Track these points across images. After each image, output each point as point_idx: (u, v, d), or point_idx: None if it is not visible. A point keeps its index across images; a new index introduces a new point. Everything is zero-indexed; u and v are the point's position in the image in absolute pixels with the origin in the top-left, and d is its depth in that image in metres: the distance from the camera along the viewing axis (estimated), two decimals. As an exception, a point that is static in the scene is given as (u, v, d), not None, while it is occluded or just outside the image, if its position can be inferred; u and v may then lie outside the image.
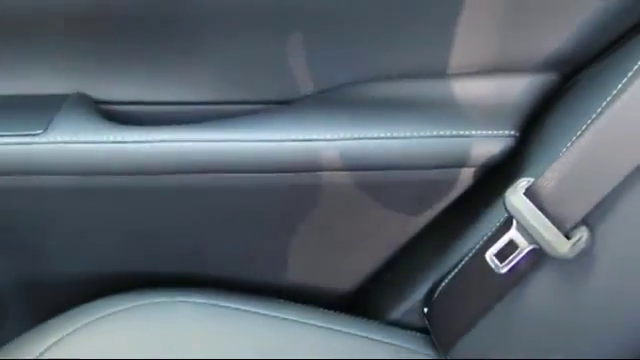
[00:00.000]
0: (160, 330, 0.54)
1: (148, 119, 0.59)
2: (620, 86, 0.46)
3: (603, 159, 0.45)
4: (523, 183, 0.49)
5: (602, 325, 0.47)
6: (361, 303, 0.64)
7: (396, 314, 0.62)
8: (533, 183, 0.48)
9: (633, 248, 0.45)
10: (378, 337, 0.58)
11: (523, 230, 0.48)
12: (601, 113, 0.46)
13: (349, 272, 0.62)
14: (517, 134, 0.55)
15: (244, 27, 0.55)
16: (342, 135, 0.55)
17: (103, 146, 0.54)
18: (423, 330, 0.61)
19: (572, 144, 0.47)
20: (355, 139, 0.55)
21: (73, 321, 0.54)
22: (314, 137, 0.55)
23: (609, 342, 0.46)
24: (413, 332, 0.61)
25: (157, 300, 0.56)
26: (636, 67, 0.45)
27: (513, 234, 0.49)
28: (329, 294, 0.63)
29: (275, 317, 0.57)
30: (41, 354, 0.51)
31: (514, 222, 0.49)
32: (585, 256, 0.46)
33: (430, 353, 0.58)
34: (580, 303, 0.48)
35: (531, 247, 0.48)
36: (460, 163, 0.56)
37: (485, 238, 0.52)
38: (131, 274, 0.60)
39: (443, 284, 0.57)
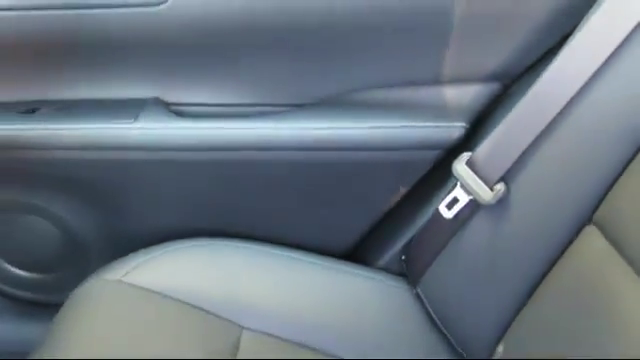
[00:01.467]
0: (213, 260, 0.77)
1: (203, 115, 0.82)
2: (532, 88, 0.67)
3: (514, 138, 0.66)
4: (465, 156, 0.71)
5: (515, 256, 0.68)
6: (354, 255, 0.86)
7: (382, 262, 0.84)
8: (471, 156, 0.70)
9: (535, 200, 0.66)
10: (364, 274, 0.80)
11: (464, 187, 0.70)
12: (517, 107, 0.68)
13: (346, 229, 0.84)
14: (467, 125, 0.77)
15: (271, 48, 0.79)
16: (343, 125, 0.78)
17: (173, 131, 0.78)
18: (402, 275, 0.82)
19: (496, 130, 0.69)
20: (351, 129, 0.78)
21: (146, 254, 0.77)
22: (323, 126, 0.77)
23: (519, 270, 0.67)
24: (392, 274, 0.82)
25: (210, 242, 0.78)
26: (544, 74, 0.67)
27: (457, 191, 0.71)
28: (332, 247, 0.85)
29: (292, 257, 0.79)
30: (123, 276, 0.74)
31: (458, 183, 0.71)
32: (503, 203, 0.67)
33: (401, 285, 0.79)
34: (502, 238, 0.69)
35: (469, 198, 0.70)
36: (427, 146, 0.78)
37: (441, 197, 0.74)
38: (190, 228, 0.82)
39: (415, 235, 0.79)
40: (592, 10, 0.66)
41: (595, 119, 0.63)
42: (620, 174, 0.61)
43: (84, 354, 0.64)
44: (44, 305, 0.94)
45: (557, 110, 0.64)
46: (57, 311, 0.76)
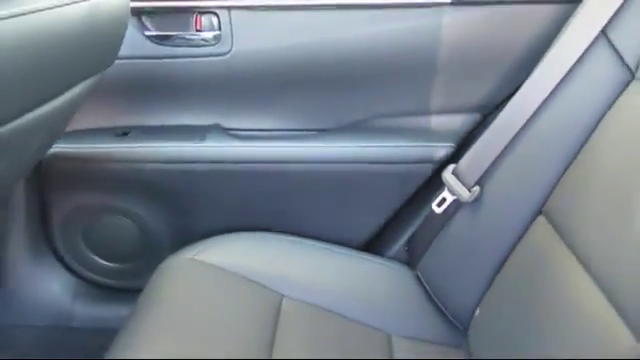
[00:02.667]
0: (259, 246, 1.01)
1: (252, 137, 1.07)
2: (498, 117, 0.91)
3: (485, 153, 0.90)
4: (451, 167, 0.94)
5: (488, 241, 0.90)
6: (369, 247, 1.09)
7: (390, 253, 1.07)
8: (455, 167, 0.94)
9: (501, 197, 0.89)
10: (377, 260, 1.03)
11: (450, 190, 0.93)
12: (488, 130, 0.91)
13: (362, 226, 1.08)
14: (454, 145, 1.01)
15: (304, 89, 1.04)
16: (359, 145, 1.02)
17: (230, 149, 1.03)
18: (406, 263, 1.05)
19: (472, 147, 0.92)
20: (365, 147, 1.02)
21: (210, 241, 1.01)
22: (343, 145, 1.02)
23: (490, 251, 0.89)
24: (398, 262, 1.05)
25: (255, 234, 1.03)
26: (506, 105, 0.90)
27: (445, 193, 0.94)
28: (351, 241, 1.08)
29: (320, 247, 1.03)
30: (194, 255, 0.97)
31: (446, 187, 0.94)
32: (478, 201, 0.90)
33: (405, 270, 1.02)
34: (478, 228, 0.92)
35: (453, 198, 0.93)
36: (424, 161, 1.02)
37: (434, 198, 0.97)
38: (239, 224, 1.07)
39: (416, 228, 1.02)
40: (546, 53, 0.90)
41: (544, 134, 0.86)
42: (563, 173, 0.83)
43: (170, 310, 0.87)
44: (124, 290, 1.18)
45: (516, 131, 0.88)
46: (134, 295, 0.99)
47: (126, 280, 1.19)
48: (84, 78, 0.73)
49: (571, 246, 0.76)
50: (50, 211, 1.13)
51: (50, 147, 0.94)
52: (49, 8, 0.57)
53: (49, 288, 1.18)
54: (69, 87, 0.69)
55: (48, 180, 1.10)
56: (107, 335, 0.92)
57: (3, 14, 0.50)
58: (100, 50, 0.73)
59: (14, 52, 0.51)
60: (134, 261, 1.17)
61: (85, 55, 0.69)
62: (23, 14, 0.53)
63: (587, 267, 0.71)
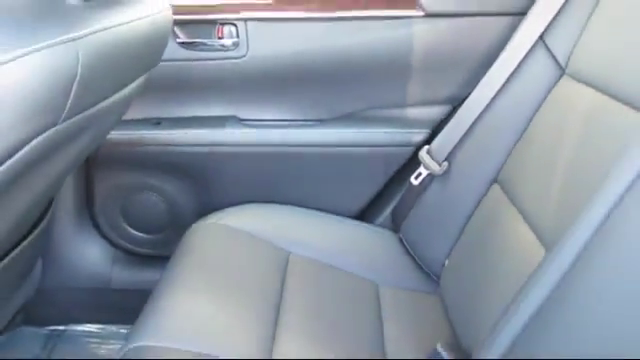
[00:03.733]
0: (268, 214, 1.23)
1: (263, 126, 1.29)
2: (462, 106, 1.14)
3: (452, 135, 1.12)
4: (426, 147, 1.17)
5: (454, 206, 1.12)
6: (361, 216, 1.32)
7: (379, 220, 1.30)
8: (429, 147, 1.16)
9: (464, 170, 1.12)
10: (368, 227, 1.26)
11: (424, 166, 1.15)
12: (454, 117, 1.14)
13: (355, 199, 1.31)
14: (429, 131, 1.23)
15: (306, 85, 1.26)
16: (351, 131, 1.25)
17: (244, 135, 1.26)
18: (392, 230, 1.27)
19: (442, 131, 1.15)
20: (357, 133, 1.25)
21: (228, 210, 1.23)
22: (338, 132, 1.24)
23: (456, 214, 1.11)
24: (386, 228, 1.27)
25: (265, 204, 1.25)
26: (468, 97, 1.13)
27: (421, 169, 1.17)
28: (346, 211, 1.31)
29: (321, 215, 1.26)
30: (217, 220, 1.19)
31: (422, 164, 1.16)
32: (447, 174, 1.13)
33: (391, 234, 1.24)
34: (446, 196, 1.14)
35: (427, 172, 1.15)
36: (405, 144, 1.25)
37: (413, 174, 1.19)
38: (252, 196, 1.29)
39: (399, 200, 1.24)
40: (498, 56, 1.13)
41: (497, 120, 1.09)
42: (511, 150, 1.06)
43: (199, 264, 1.08)
44: (155, 257, 1.40)
45: (475, 118, 1.11)
46: (164, 261, 1.20)
47: (157, 248, 1.41)
48: (138, 77, 0.95)
49: (514, 203, 0.99)
50: (93, 189, 1.35)
51: (104, 139, 1.14)
52: (124, 23, 0.79)
53: (91, 256, 1.39)
54: (126, 85, 0.91)
55: (93, 162, 1.32)
56: (142, 295, 1.13)
57: (92, 30, 0.71)
58: (152, 54, 0.95)
59: (97, 59, 0.73)
60: (163, 232, 1.39)
61: (143, 58, 0.90)
62: (106, 29, 0.75)
63: (525, 217, 0.93)
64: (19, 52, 0.63)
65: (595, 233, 0.66)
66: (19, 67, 0.63)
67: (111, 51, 0.76)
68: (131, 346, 0.84)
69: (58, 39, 0.65)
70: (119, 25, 0.78)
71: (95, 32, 0.70)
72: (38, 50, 0.64)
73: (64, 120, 0.71)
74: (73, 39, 0.67)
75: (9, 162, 0.69)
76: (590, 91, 0.92)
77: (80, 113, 0.74)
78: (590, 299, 0.64)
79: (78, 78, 0.68)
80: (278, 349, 0.90)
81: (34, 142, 0.70)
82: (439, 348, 0.89)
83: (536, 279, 0.71)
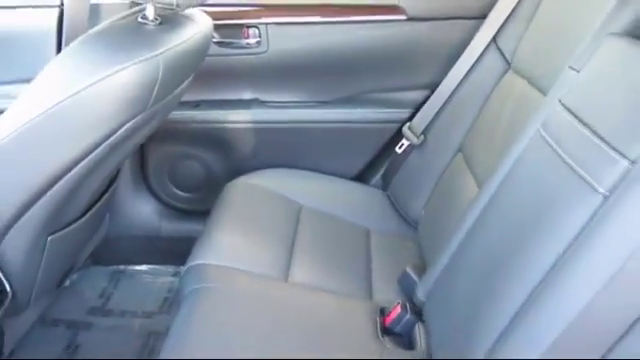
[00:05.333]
0: (284, 177, 1.56)
1: (279, 106, 1.62)
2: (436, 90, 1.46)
3: (427, 113, 1.45)
4: (408, 124, 1.50)
5: (428, 168, 1.45)
6: (358, 178, 1.66)
7: (372, 182, 1.64)
8: (410, 124, 1.49)
9: (436, 140, 1.44)
10: (363, 186, 1.61)
11: (406, 138, 1.49)
12: (430, 99, 1.46)
13: (352, 164, 1.64)
14: (413, 110, 1.56)
15: (315, 73, 1.59)
16: (350, 111, 1.58)
17: (266, 114, 1.59)
18: (382, 189, 1.61)
19: (421, 110, 1.47)
20: (354, 113, 1.58)
21: (254, 173, 1.57)
22: (340, 111, 1.58)
23: (430, 174, 1.45)
24: (377, 188, 1.61)
25: (281, 170, 1.59)
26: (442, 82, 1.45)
27: (403, 140, 1.50)
28: (346, 174, 1.64)
29: (325, 177, 1.60)
30: (246, 180, 1.53)
31: (404, 136, 1.49)
32: (423, 144, 1.47)
33: (381, 192, 1.58)
34: (422, 161, 1.47)
35: (408, 143, 1.49)
36: (393, 122, 1.58)
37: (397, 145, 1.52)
38: (271, 163, 1.62)
39: (387, 165, 1.57)
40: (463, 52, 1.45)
41: (461, 102, 1.41)
42: (471, 125, 1.38)
43: (234, 215, 1.42)
44: (194, 211, 1.75)
45: (444, 99, 1.44)
46: (201, 214, 1.55)
47: (195, 204, 1.76)
48: (191, 74, 1.28)
49: (470, 167, 1.32)
50: (147, 158, 1.70)
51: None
52: (186, 40, 1.11)
53: (145, 211, 1.75)
54: (184, 81, 1.24)
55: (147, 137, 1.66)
56: (183, 241, 1.48)
57: (167, 47, 1.04)
58: (201, 58, 1.28)
59: (171, 66, 1.06)
60: (200, 191, 1.74)
61: (195, 61, 1.24)
62: (175, 45, 1.08)
63: (474, 176, 1.26)
64: (119, 67, 0.97)
65: (505, 177, 0.98)
66: (120, 76, 0.97)
67: (179, 60, 1.10)
68: (190, 264, 1.19)
69: (147, 56, 0.99)
70: (183, 42, 1.11)
71: (169, 49, 1.04)
72: (135, 64, 0.97)
73: (148, 109, 1.05)
74: (156, 55, 1.00)
75: (110, 139, 1.04)
76: (522, 82, 1.24)
77: (157, 103, 1.08)
78: (500, 221, 0.96)
79: (159, 81, 1.02)
80: (292, 272, 1.24)
81: (128, 124, 1.04)
82: (408, 269, 1.23)
83: (469, 210, 1.05)
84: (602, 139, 0.74)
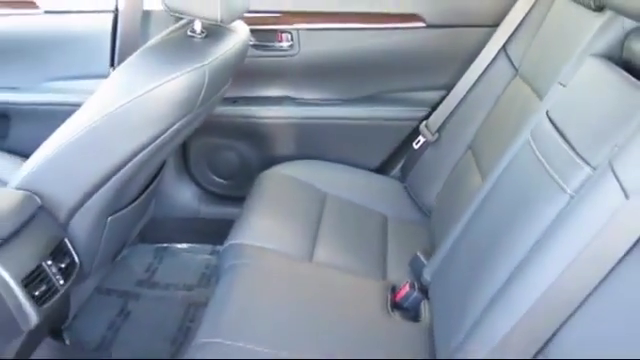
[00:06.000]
0: (312, 167, 1.73)
1: (308, 104, 1.79)
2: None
3: (443, 112, 1.60)
4: (425, 122, 1.65)
5: (442, 162, 1.61)
6: (379, 170, 1.82)
7: (392, 173, 1.79)
8: (427, 122, 1.64)
9: (450, 137, 1.60)
10: (384, 178, 1.77)
11: (422, 134, 1.64)
12: (446, 99, 1.61)
13: (373, 158, 1.80)
14: (429, 109, 1.71)
15: (340, 74, 1.75)
16: (371, 109, 1.74)
17: (296, 111, 1.76)
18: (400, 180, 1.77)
19: (437, 110, 1.62)
20: (376, 110, 1.74)
21: (284, 164, 1.74)
22: (362, 109, 1.74)
23: (443, 167, 1.60)
24: (397, 179, 1.77)
25: (310, 161, 1.76)
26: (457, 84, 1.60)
27: (420, 137, 1.65)
28: (368, 166, 1.80)
29: (349, 169, 1.76)
30: (278, 171, 1.71)
31: (421, 133, 1.65)
32: (437, 141, 1.62)
33: (399, 183, 1.74)
34: (437, 156, 1.63)
35: (424, 140, 1.64)
36: (411, 119, 1.74)
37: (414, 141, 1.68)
38: (300, 155, 1.79)
39: (405, 159, 1.73)
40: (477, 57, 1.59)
41: (471, 103, 1.56)
42: (482, 124, 1.52)
43: (267, 201, 1.60)
44: (230, 197, 1.93)
45: (458, 100, 1.58)
46: (236, 199, 1.73)
47: (230, 190, 1.94)
48: (231, 77, 1.45)
49: (477, 162, 1.47)
50: (189, 149, 1.89)
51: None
52: (229, 49, 1.29)
53: (186, 195, 1.94)
54: (225, 84, 1.42)
55: (188, 129, 1.85)
56: (219, 222, 1.67)
57: (213, 58, 1.22)
58: (240, 62, 1.45)
59: (215, 73, 1.23)
60: (236, 179, 1.92)
61: (235, 66, 1.41)
62: (219, 55, 1.25)
63: (480, 170, 1.41)
64: (171, 77, 1.15)
65: (501, 174, 1.14)
66: (172, 84, 1.15)
67: (221, 68, 1.27)
68: (228, 243, 1.38)
69: (194, 67, 1.17)
70: (225, 52, 1.29)
71: (214, 59, 1.21)
72: (184, 74, 1.15)
73: (195, 110, 1.23)
74: (202, 65, 1.18)
75: (164, 135, 1.22)
76: (527, 88, 1.38)
77: (203, 105, 1.25)
78: (493, 211, 1.11)
79: (205, 86, 1.19)
80: (316, 252, 1.41)
81: (178, 123, 1.22)
82: (418, 253, 1.39)
83: (471, 200, 1.20)
84: (572, 148, 0.88)
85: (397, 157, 1.81)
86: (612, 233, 0.76)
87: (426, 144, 1.67)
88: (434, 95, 1.73)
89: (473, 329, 0.93)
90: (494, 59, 1.55)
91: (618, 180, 0.77)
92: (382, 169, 1.84)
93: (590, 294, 0.78)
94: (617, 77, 0.91)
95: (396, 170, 1.81)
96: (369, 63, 1.73)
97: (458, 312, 1.02)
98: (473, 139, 1.54)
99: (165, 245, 1.96)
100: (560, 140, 0.92)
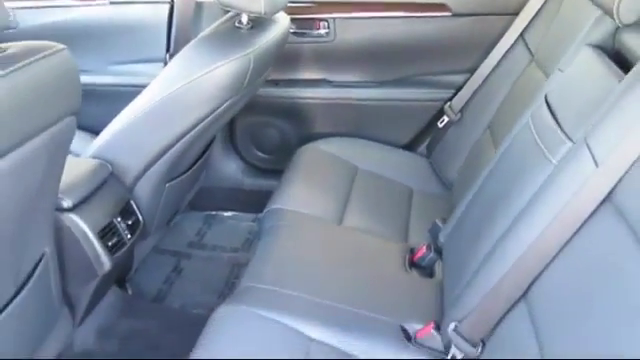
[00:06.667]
0: (345, 144, 1.91)
1: (342, 85, 1.97)
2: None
3: (465, 93, 1.76)
4: (449, 103, 1.81)
5: (460, 139, 1.76)
6: (407, 147, 1.98)
7: (419, 150, 1.96)
8: (450, 103, 1.80)
9: (474, 116, 1.75)
10: (411, 154, 1.94)
11: (447, 115, 1.80)
12: (470, 80, 1.76)
13: (403, 135, 1.97)
14: (454, 91, 1.86)
15: (374, 59, 1.91)
16: (401, 91, 1.91)
17: (333, 92, 1.94)
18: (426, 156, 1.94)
19: (460, 92, 1.78)
20: (405, 92, 1.90)
21: (320, 141, 1.92)
22: (393, 91, 1.91)
23: (464, 144, 1.76)
24: (424, 156, 1.94)
25: (343, 138, 1.94)
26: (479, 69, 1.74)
27: (444, 117, 1.81)
28: (397, 143, 1.97)
29: (381, 146, 1.93)
30: (319, 146, 1.89)
31: (445, 113, 1.81)
32: (460, 120, 1.77)
33: (425, 159, 1.90)
34: (458, 133, 1.78)
35: (447, 119, 1.80)
36: (437, 100, 1.89)
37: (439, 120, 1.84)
38: (334, 132, 1.97)
39: (430, 138, 1.89)
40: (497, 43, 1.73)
41: (489, 86, 1.70)
42: (500, 106, 1.67)
43: (304, 172, 1.78)
44: (271, 170, 2.13)
45: (479, 83, 1.73)
46: (276, 172, 1.92)
47: (270, 164, 2.14)
48: (273, 63, 1.64)
49: (493, 140, 1.61)
50: (235, 125, 2.09)
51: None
52: (272, 39, 1.47)
53: (232, 168, 2.15)
54: (268, 68, 1.61)
55: (235, 108, 2.05)
56: (260, 193, 1.86)
57: (257, 46, 1.40)
58: (281, 50, 1.63)
59: (259, 61, 1.42)
60: (276, 154, 2.12)
61: (277, 53, 1.59)
62: (263, 44, 1.44)
63: (496, 148, 1.56)
64: (220, 63, 1.34)
65: (507, 148, 1.29)
66: (222, 69, 1.35)
67: (264, 55, 1.46)
68: (269, 208, 1.57)
69: (241, 54, 1.36)
70: (268, 41, 1.47)
71: (258, 47, 1.40)
72: (230, 62, 1.34)
73: (241, 92, 1.43)
74: (247, 54, 1.37)
75: (215, 113, 1.42)
76: (540, 74, 1.52)
77: (248, 87, 1.45)
78: (497, 178, 1.27)
79: (250, 71, 1.38)
80: (345, 217, 1.59)
81: (226, 103, 1.42)
82: (437, 221, 1.55)
83: (483, 171, 1.37)
84: (559, 126, 1.04)
85: (423, 135, 1.97)
86: (584, 195, 0.91)
87: (449, 123, 1.82)
88: (458, 78, 1.88)
89: (471, 279, 1.10)
90: (512, 45, 1.68)
91: (590, 152, 0.92)
92: (409, 146, 2.00)
93: (565, 246, 0.94)
94: (602, 66, 1.05)
95: (422, 147, 1.97)
96: (399, 49, 1.89)
97: (462, 266, 1.19)
98: (491, 119, 1.69)
99: (213, 213, 2.18)
100: (552, 121, 1.07)
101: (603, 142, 0.91)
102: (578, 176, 0.93)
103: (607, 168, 0.89)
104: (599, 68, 1.06)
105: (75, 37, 2.06)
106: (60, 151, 1.09)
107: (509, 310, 1.01)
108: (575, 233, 0.93)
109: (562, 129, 1.02)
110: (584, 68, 1.11)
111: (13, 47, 0.91)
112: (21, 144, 0.92)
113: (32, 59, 0.90)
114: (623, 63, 1.07)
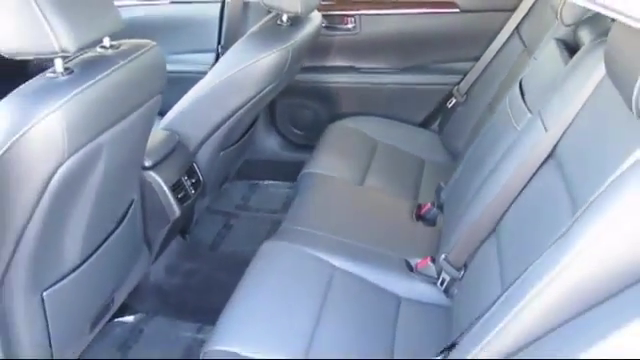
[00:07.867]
0: (367, 123, 2.24)
1: (368, 72, 2.30)
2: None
3: (471, 78, 2.07)
4: (457, 86, 2.13)
5: (466, 117, 2.08)
6: (421, 125, 2.31)
7: (431, 127, 2.28)
8: (458, 86, 2.12)
9: (478, 97, 2.06)
10: (425, 130, 2.27)
11: (454, 97, 2.12)
12: (474, 67, 2.08)
13: (418, 114, 2.30)
14: (462, 76, 2.18)
15: (395, 48, 2.24)
16: (416, 75, 2.23)
17: (359, 78, 2.28)
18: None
19: (466, 76, 2.09)
20: (419, 76, 2.23)
21: (348, 119, 2.26)
22: (410, 76, 2.24)
23: (470, 119, 2.07)
24: (435, 132, 2.26)
25: (366, 117, 2.27)
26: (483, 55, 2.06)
27: (452, 99, 2.13)
28: (410, 121, 2.30)
29: (396, 123, 2.26)
30: (347, 124, 2.23)
31: (453, 95, 2.13)
32: (467, 101, 2.09)
33: (435, 134, 2.23)
34: (463, 115, 2.10)
35: (455, 100, 2.12)
36: (447, 84, 2.21)
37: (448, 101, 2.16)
38: (355, 112, 2.31)
39: (441, 116, 2.22)
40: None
41: (490, 73, 2.02)
42: (498, 89, 1.98)
43: (335, 146, 2.13)
44: (304, 145, 2.47)
45: (482, 69, 2.05)
46: (308, 146, 2.26)
47: (304, 140, 2.49)
48: (307, 53, 1.98)
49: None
50: (275, 106, 2.45)
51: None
52: (308, 34, 1.81)
53: (272, 144, 2.51)
54: (303, 59, 1.95)
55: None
56: (295, 164, 2.21)
57: (295, 40, 1.75)
58: (316, 39, 1.97)
59: (297, 53, 1.76)
60: (309, 130, 2.47)
61: (314, 42, 1.93)
62: (299, 40, 1.78)
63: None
64: (264, 55, 1.69)
65: (493, 121, 1.61)
66: (266, 59, 1.70)
67: (301, 47, 1.81)
68: (304, 172, 1.93)
69: (282, 47, 1.70)
70: (304, 35, 1.81)
71: (296, 41, 1.74)
72: (272, 53, 1.69)
73: (281, 77, 1.78)
74: (286, 47, 1.71)
75: (259, 95, 1.77)
76: (529, 60, 1.82)
77: (287, 74, 1.79)
78: (482, 142, 1.60)
79: (289, 61, 1.73)
80: (366, 179, 1.93)
81: (269, 86, 1.77)
82: (441, 183, 1.88)
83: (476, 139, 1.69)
84: (525, 103, 1.36)
85: (435, 114, 2.29)
86: (536, 153, 1.24)
87: (457, 104, 2.14)
88: (465, 65, 2.19)
89: (458, 221, 1.44)
90: (509, 38, 1.99)
91: (542, 119, 1.24)
92: (423, 124, 2.34)
93: (521, 191, 1.26)
94: (560, 55, 1.37)
95: (435, 125, 2.30)
96: (414, 40, 2.21)
97: (454, 213, 1.52)
98: (491, 100, 2.00)
99: (255, 181, 2.55)
100: (520, 99, 1.39)
101: (550, 111, 1.23)
102: (533, 139, 1.25)
103: (553, 131, 1.21)
104: (558, 56, 1.38)
105: (142, 31, 2.45)
106: (149, 123, 1.46)
107: (484, 240, 1.34)
108: (529, 180, 1.25)
109: (526, 104, 1.35)
110: (548, 56, 1.42)
111: (124, 44, 1.27)
112: (128, 114, 1.29)
113: (138, 53, 1.26)
114: (576, 52, 1.38)
